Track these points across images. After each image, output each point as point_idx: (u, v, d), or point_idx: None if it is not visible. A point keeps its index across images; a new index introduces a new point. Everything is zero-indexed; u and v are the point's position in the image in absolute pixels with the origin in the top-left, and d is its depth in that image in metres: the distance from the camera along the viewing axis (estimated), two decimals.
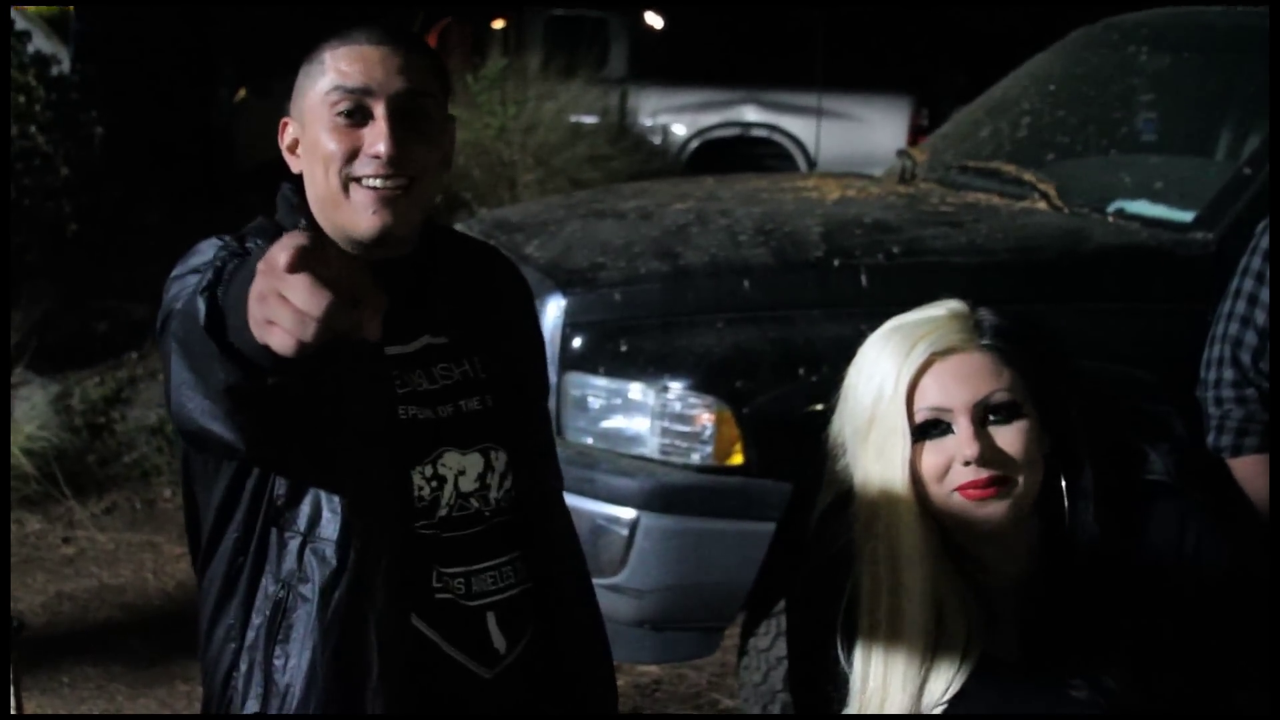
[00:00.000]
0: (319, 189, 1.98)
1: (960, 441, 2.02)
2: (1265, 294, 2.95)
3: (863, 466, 2.08)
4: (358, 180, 1.95)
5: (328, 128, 1.95)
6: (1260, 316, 2.96)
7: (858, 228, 4.08)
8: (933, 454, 2.03)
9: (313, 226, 1.98)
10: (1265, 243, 3.01)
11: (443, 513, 2.04)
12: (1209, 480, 3.12)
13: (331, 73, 1.96)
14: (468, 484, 2.06)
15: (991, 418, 2.03)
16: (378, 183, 1.94)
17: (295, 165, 2.03)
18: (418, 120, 1.97)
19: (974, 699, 2.04)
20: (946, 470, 2.02)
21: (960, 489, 2.02)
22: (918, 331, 2.06)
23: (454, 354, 2.09)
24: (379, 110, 1.95)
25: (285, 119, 2.04)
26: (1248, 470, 3.01)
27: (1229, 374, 3.00)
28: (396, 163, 1.94)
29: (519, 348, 2.21)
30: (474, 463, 2.07)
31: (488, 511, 2.08)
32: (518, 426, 2.14)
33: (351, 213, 1.96)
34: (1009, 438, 2.03)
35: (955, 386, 2.03)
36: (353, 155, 1.95)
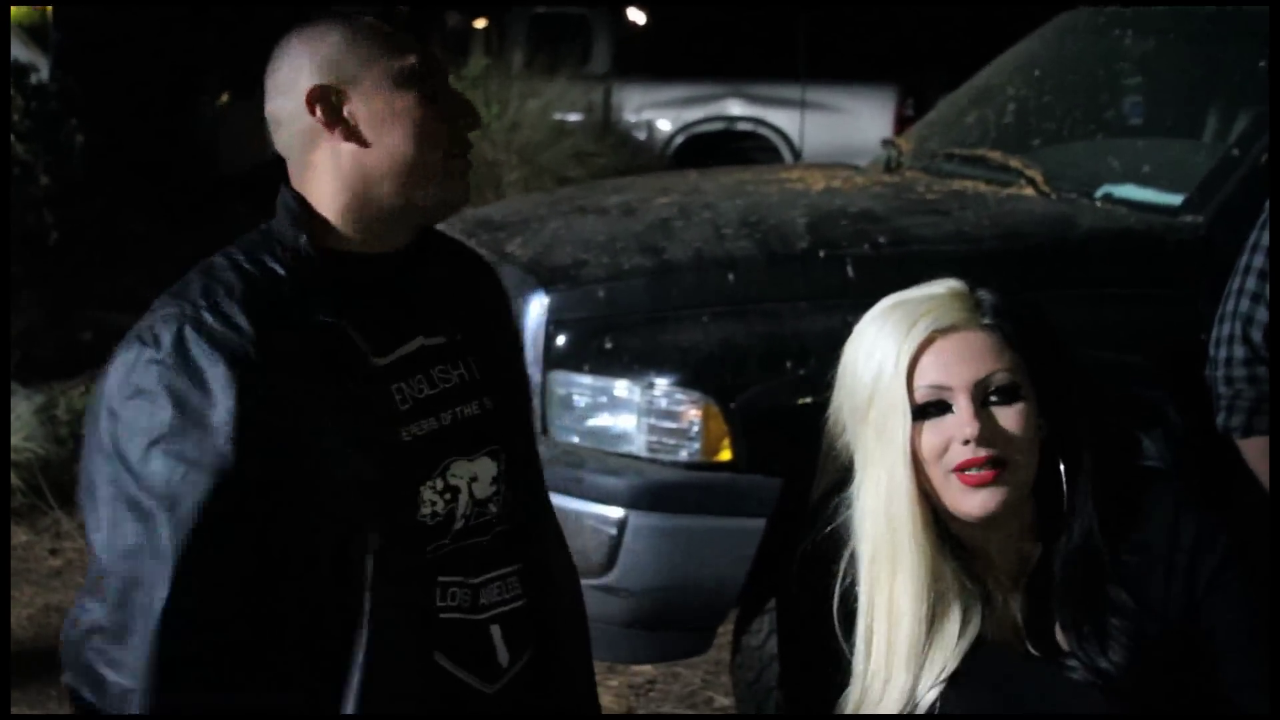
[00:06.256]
0: (402, 160, 1.92)
1: (960, 420, 2.00)
2: None
3: (863, 445, 2.07)
4: (457, 153, 1.95)
5: (420, 102, 1.92)
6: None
7: (843, 218, 4.04)
8: (931, 433, 2.01)
9: (312, 242, 1.92)
10: None
11: (459, 525, 1.99)
12: (1208, 464, 3.07)
13: (411, 50, 1.94)
14: (483, 490, 2.01)
15: (992, 398, 2.01)
16: (467, 153, 1.97)
17: (343, 134, 1.92)
18: None
19: (972, 682, 2.03)
20: (945, 450, 2.01)
21: (957, 469, 2.00)
22: (919, 308, 2.04)
23: (450, 355, 2.03)
24: (444, 87, 1.97)
25: (322, 84, 1.91)
26: (1258, 451, 2.91)
27: (1240, 352, 2.91)
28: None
29: (507, 349, 2.18)
30: (485, 467, 2.02)
31: (497, 518, 2.04)
32: (514, 430, 2.10)
33: (444, 184, 1.95)
34: (1009, 418, 2.01)
35: (956, 365, 2.01)
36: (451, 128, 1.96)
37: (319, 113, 1.91)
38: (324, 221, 1.94)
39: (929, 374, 2.02)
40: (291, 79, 1.93)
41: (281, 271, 1.91)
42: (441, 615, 1.97)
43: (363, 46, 1.92)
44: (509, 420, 2.09)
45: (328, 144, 1.93)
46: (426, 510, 1.96)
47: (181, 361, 1.84)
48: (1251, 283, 2.90)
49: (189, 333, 1.84)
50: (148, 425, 1.84)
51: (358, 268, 1.96)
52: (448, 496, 1.98)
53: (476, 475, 2.01)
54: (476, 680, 2.00)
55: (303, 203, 1.95)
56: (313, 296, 1.90)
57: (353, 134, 1.92)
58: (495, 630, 2.02)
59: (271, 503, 1.85)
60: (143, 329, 1.89)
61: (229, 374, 1.83)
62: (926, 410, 2.02)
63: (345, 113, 1.92)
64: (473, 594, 2.00)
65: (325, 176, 1.94)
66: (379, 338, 1.95)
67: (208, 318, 1.85)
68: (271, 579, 1.86)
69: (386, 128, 1.92)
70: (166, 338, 1.85)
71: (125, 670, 1.81)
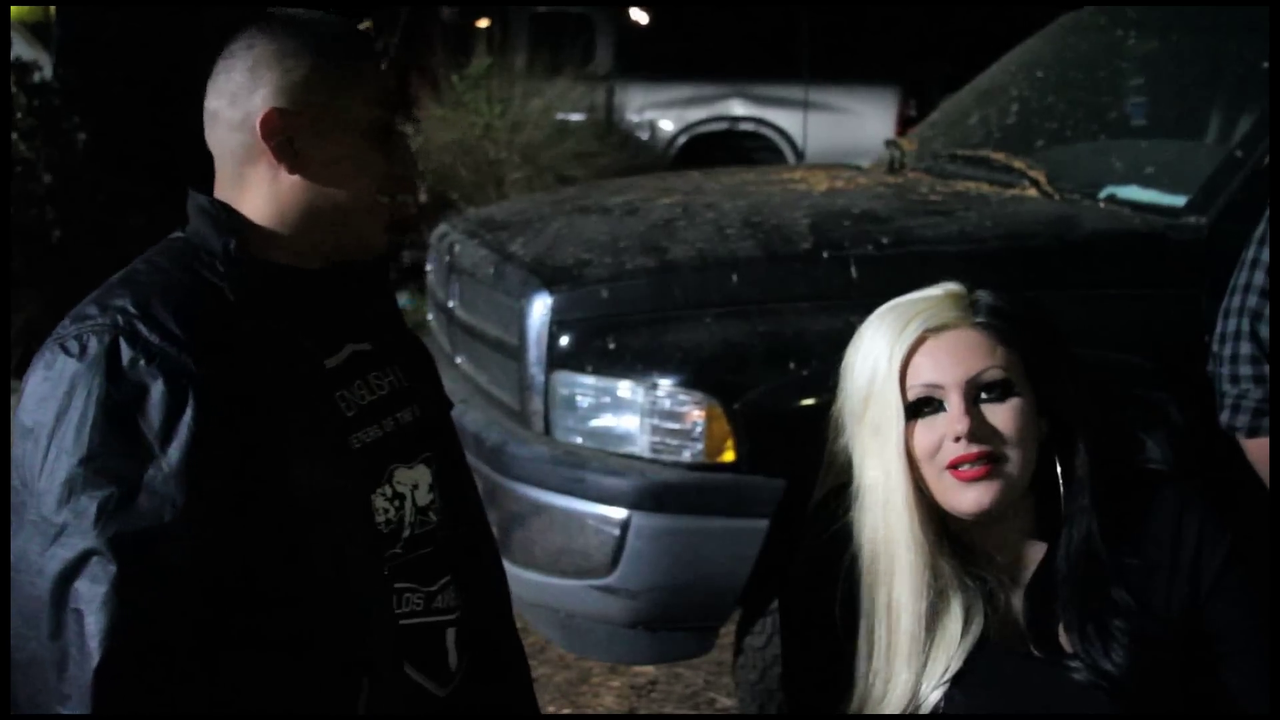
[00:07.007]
0: (341, 204, 1.86)
1: (952, 418, 2.01)
2: None
3: (860, 444, 2.08)
4: (391, 195, 1.89)
5: (372, 153, 1.87)
6: None
7: (846, 219, 4.04)
8: (925, 431, 2.03)
9: (240, 246, 1.83)
10: None
11: (407, 533, 1.97)
12: (1211, 464, 3.06)
13: (377, 87, 1.87)
14: (422, 497, 2.00)
15: (984, 395, 2.03)
16: (395, 202, 1.91)
17: (287, 165, 1.84)
18: None
19: (975, 682, 2.03)
20: (938, 447, 2.02)
21: (950, 466, 2.01)
22: (913, 309, 2.07)
23: (379, 362, 1.99)
24: (398, 135, 1.92)
25: (280, 109, 1.82)
26: (1262, 452, 2.88)
27: (1247, 348, 2.86)
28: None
29: (422, 353, 2.15)
30: (422, 475, 2.01)
31: (438, 525, 2.03)
32: (443, 437, 2.10)
33: (372, 226, 1.89)
34: (1001, 416, 2.02)
35: (948, 362, 2.03)
36: (389, 176, 1.90)
37: (271, 140, 1.83)
38: (251, 227, 1.87)
39: (921, 373, 2.04)
40: (248, 89, 1.84)
41: (215, 279, 1.81)
42: (402, 622, 1.95)
43: (334, 79, 1.84)
44: (438, 427, 2.09)
45: (267, 166, 1.86)
46: (381, 519, 1.93)
47: (116, 376, 1.71)
48: (1259, 277, 2.85)
49: (123, 345, 1.72)
50: (75, 444, 1.70)
51: (280, 275, 1.88)
52: (397, 504, 1.96)
53: (417, 483, 2.00)
54: (433, 684, 2.00)
55: (227, 209, 1.87)
56: (252, 303, 1.82)
57: (298, 168, 1.84)
58: (450, 634, 2.03)
59: (221, 522, 1.73)
60: (65, 339, 1.76)
61: (169, 391, 1.71)
62: (920, 409, 2.04)
63: (296, 146, 1.84)
64: (427, 600, 2.00)
65: (258, 196, 1.87)
66: (319, 343, 1.90)
67: (142, 329, 1.73)
68: (244, 595, 1.78)
69: (334, 171, 1.85)
70: (96, 348, 1.72)
71: (72, 702, 1.68)
